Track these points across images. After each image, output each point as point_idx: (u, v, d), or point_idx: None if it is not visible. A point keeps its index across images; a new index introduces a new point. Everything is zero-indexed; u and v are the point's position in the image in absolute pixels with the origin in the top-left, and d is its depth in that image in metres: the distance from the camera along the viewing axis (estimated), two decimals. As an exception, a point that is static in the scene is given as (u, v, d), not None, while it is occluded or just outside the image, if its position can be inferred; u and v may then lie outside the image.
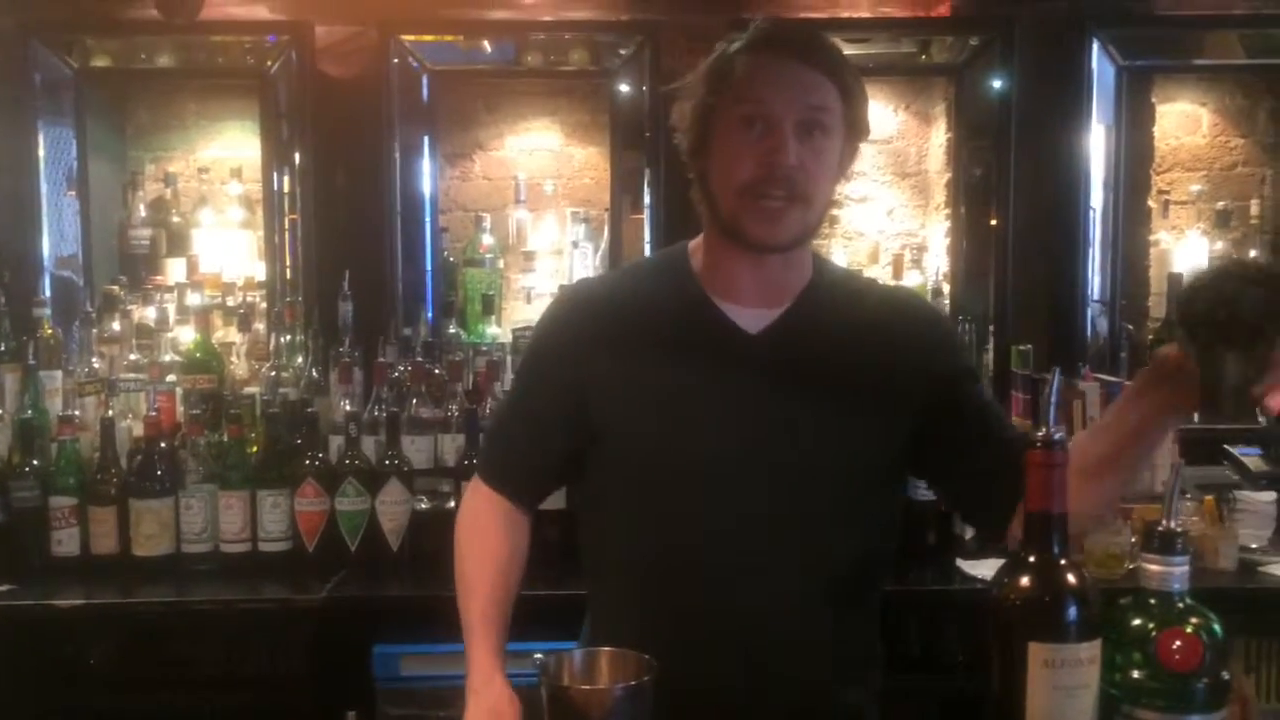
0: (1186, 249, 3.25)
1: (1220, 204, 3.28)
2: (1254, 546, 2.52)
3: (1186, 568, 1.13)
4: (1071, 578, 1.12)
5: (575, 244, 3.25)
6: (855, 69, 1.47)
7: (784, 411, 1.46)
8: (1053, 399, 1.19)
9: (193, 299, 2.89)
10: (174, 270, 3.15)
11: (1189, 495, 2.58)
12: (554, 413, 1.54)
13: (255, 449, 2.51)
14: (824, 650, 1.50)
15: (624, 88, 3.10)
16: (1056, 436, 1.11)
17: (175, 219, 3.24)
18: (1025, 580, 1.12)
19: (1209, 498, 2.55)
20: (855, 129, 1.47)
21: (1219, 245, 3.24)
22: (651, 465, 1.50)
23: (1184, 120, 3.34)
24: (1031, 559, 1.13)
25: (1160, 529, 1.13)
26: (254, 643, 2.29)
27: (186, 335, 2.82)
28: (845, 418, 1.47)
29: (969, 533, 2.56)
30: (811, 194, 1.44)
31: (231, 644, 2.29)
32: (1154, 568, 1.13)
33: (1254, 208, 3.28)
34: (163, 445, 2.44)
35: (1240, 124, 3.32)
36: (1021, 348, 2.78)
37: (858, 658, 1.56)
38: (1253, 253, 3.23)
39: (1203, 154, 3.34)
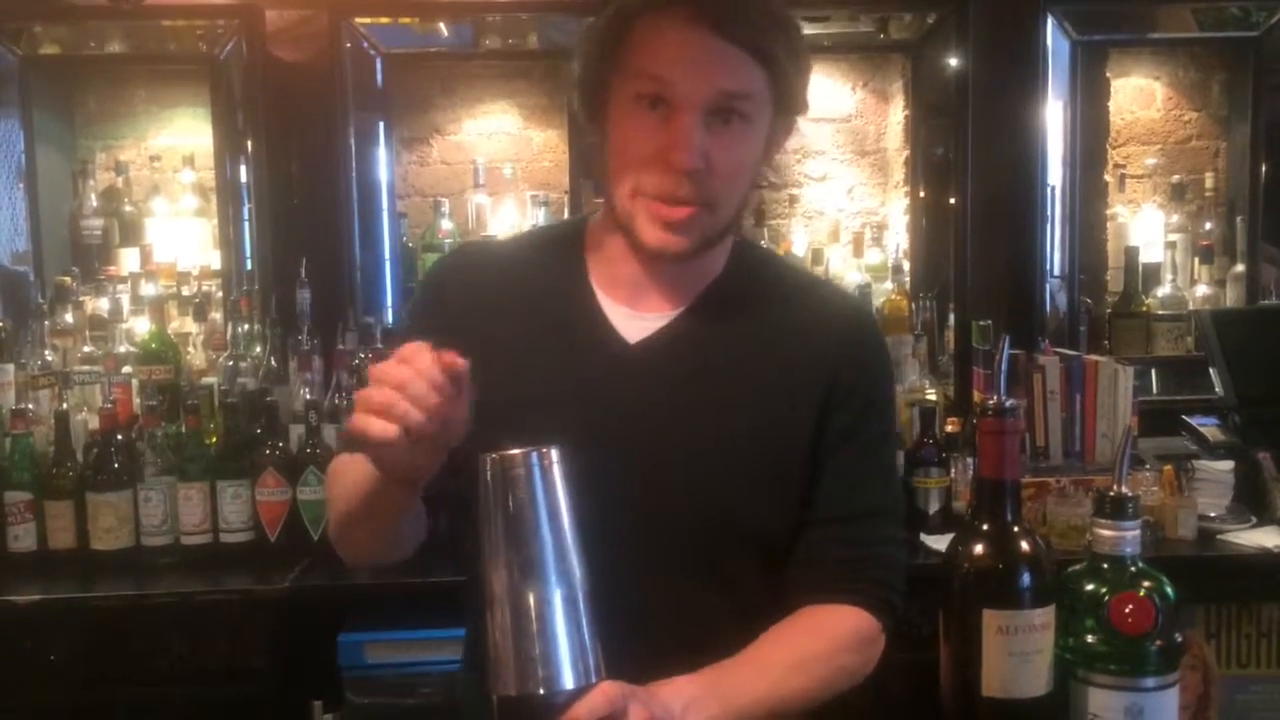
0: (1143, 222, 3.28)
1: (1175, 177, 3.30)
2: (1212, 515, 2.55)
3: (1138, 532, 1.15)
4: (1024, 544, 1.13)
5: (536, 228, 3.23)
6: (791, 35, 1.22)
7: (656, 432, 1.24)
8: (1003, 366, 1.19)
9: (147, 289, 2.86)
10: (127, 260, 3.11)
11: (1148, 465, 2.62)
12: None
13: (214, 440, 2.49)
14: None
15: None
16: (1008, 404, 1.11)
17: (128, 208, 3.19)
18: (979, 548, 1.13)
19: (1168, 467, 2.58)
20: (788, 107, 1.24)
21: (1175, 218, 3.27)
22: None
23: (1138, 94, 3.36)
24: (984, 526, 1.14)
25: (1111, 494, 1.14)
26: (217, 635, 2.27)
27: (141, 326, 2.79)
28: (729, 434, 1.25)
29: (933, 507, 2.59)
30: (719, 198, 1.21)
31: (194, 637, 2.26)
32: (1106, 533, 1.14)
33: (1209, 180, 3.31)
34: (119, 437, 2.42)
35: (1193, 97, 3.35)
36: (981, 323, 2.79)
37: None
38: (1208, 225, 3.26)
39: (1157, 128, 3.37)
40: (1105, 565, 1.14)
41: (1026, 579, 1.10)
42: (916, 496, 2.59)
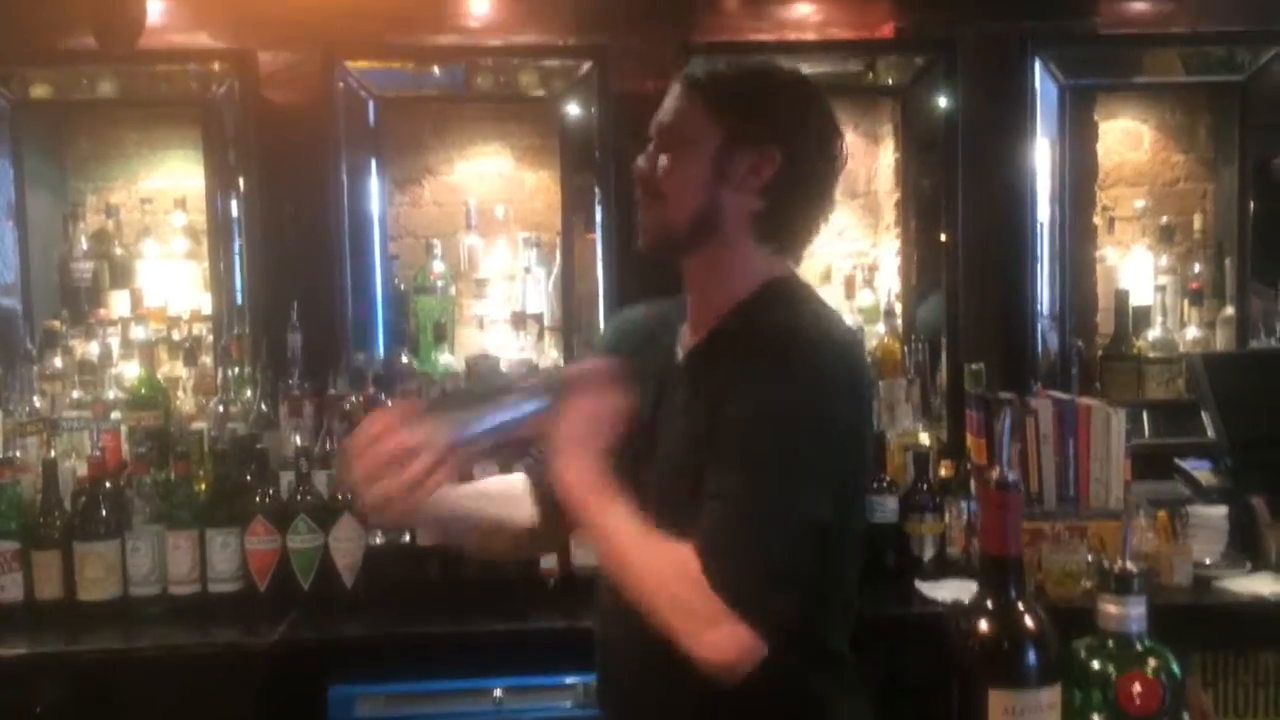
0: (1132, 264, 3.29)
1: (1164, 219, 3.31)
2: (1207, 561, 2.54)
3: (1143, 608, 1.14)
4: (1030, 622, 1.12)
5: (528, 269, 3.22)
6: (737, 76, 1.47)
7: (658, 440, 1.48)
8: (1005, 435, 1.19)
9: (137, 333, 2.85)
10: (118, 303, 3.09)
11: (1141, 511, 2.61)
12: None
13: (203, 487, 2.47)
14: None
15: (573, 110, 3.08)
16: (1011, 477, 1.10)
17: (118, 250, 3.18)
18: (984, 625, 1.12)
19: (1162, 513, 2.58)
20: (743, 135, 1.44)
21: (1164, 260, 3.27)
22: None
23: (1126, 137, 3.38)
24: (989, 603, 1.13)
25: (1117, 570, 1.13)
26: (205, 688, 2.23)
27: (131, 371, 2.78)
28: (670, 455, 1.46)
29: (928, 553, 2.58)
30: (663, 191, 1.46)
31: (182, 690, 2.23)
32: (1111, 609, 1.13)
33: (1197, 222, 3.32)
34: (107, 485, 2.40)
35: (1181, 140, 3.37)
36: (974, 367, 2.79)
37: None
38: (1197, 267, 3.27)
39: (1145, 170, 3.38)
40: (1111, 642, 1.13)
41: (1032, 658, 1.09)
42: (911, 543, 2.58)
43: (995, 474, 1.11)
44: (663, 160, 1.46)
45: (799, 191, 1.48)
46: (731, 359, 1.40)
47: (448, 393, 2.27)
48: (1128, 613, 1.12)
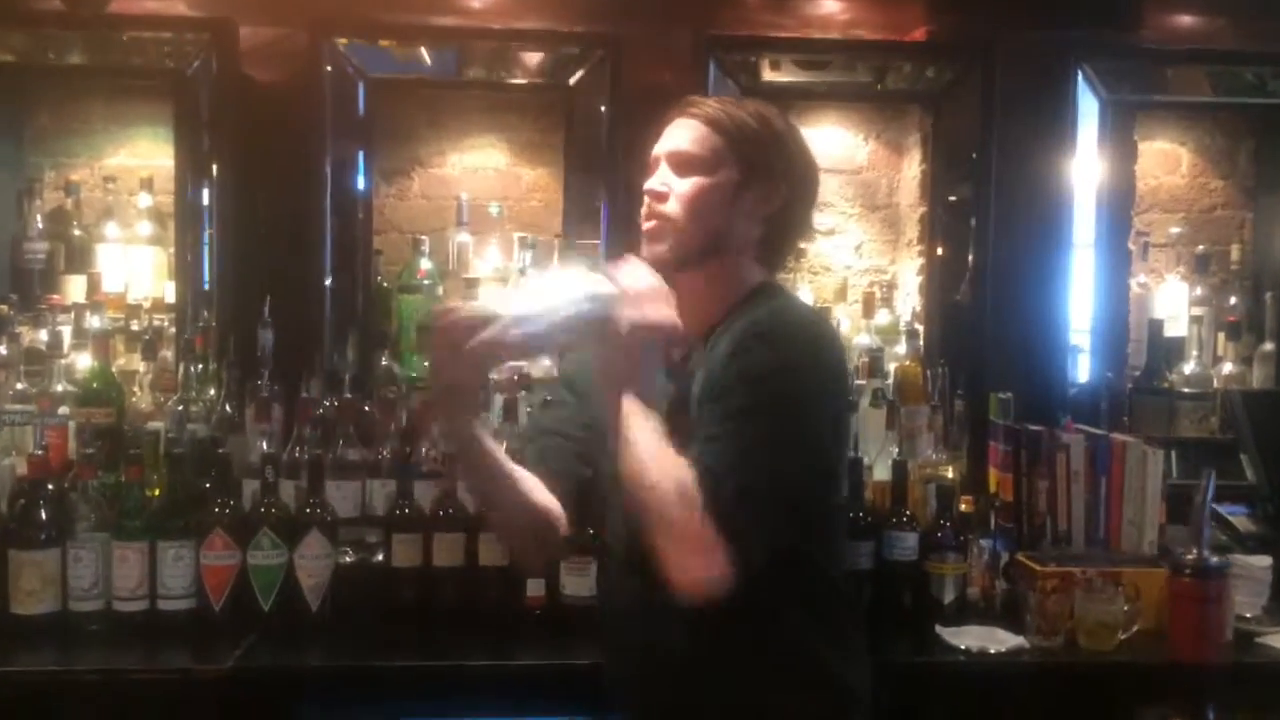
0: (1166, 294, 3.15)
1: (1200, 248, 3.20)
2: (1249, 615, 2.35)
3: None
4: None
5: (522, 271, 3.03)
6: (750, 114, 1.71)
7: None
8: (1206, 509, 0.97)
9: (92, 321, 2.68)
10: (73, 289, 2.91)
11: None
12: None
13: (157, 493, 2.29)
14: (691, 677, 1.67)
15: (581, 104, 2.90)
16: (1213, 561, 0.88)
17: (76, 232, 3.00)
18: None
19: (1203, 563, 2.39)
20: (758, 170, 1.69)
21: (1199, 291, 3.14)
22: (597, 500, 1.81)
23: (1163, 159, 3.26)
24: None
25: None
26: (150, 718, 2.04)
27: (83, 362, 2.61)
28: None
29: (949, 596, 2.38)
30: (675, 215, 1.68)
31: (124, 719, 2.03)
32: None
33: (1234, 252, 3.20)
34: (50, 487, 2.22)
35: (1220, 165, 3.26)
36: (1002, 396, 2.61)
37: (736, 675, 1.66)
38: (1232, 299, 3.12)
39: (1182, 195, 3.27)
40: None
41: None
42: (931, 584, 2.39)
43: (1191, 555, 0.88)
44: (684, 185, 1.68)
45: (794, 221, 1.78)
46: (729, 342, 1.62)
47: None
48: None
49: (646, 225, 1.71)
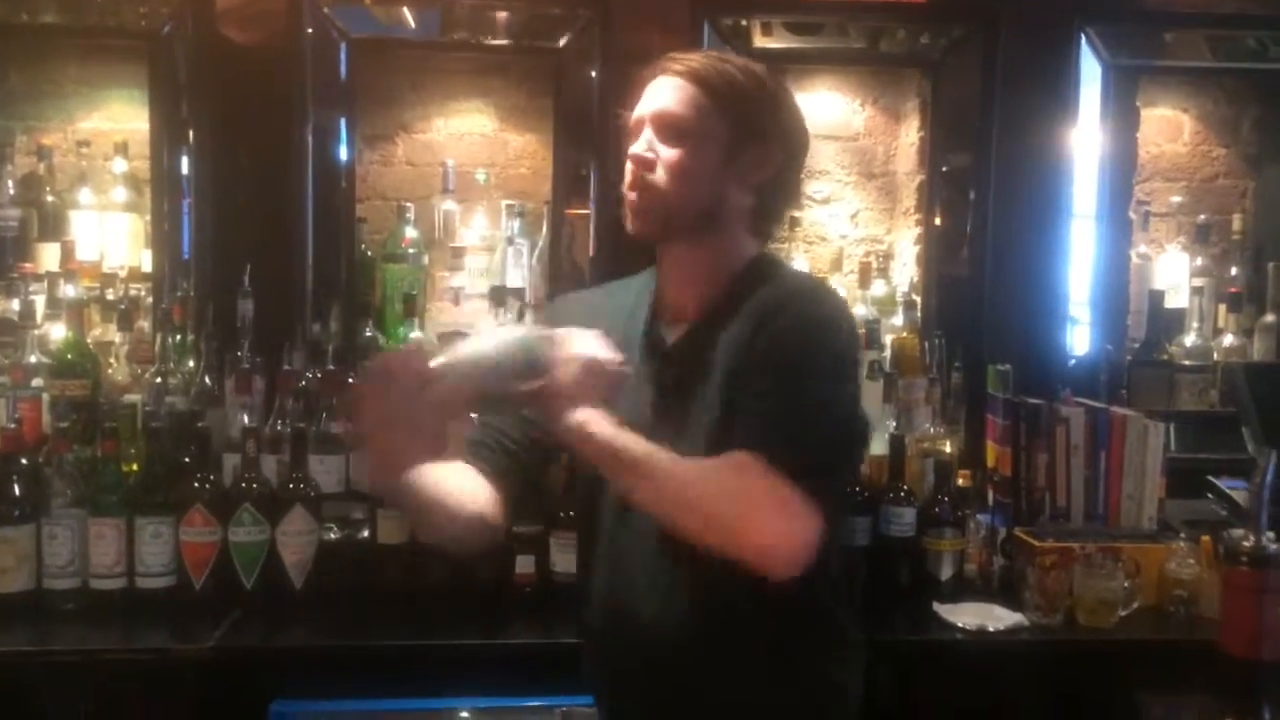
0: (1166, 264, 3.11)
1: (1201, 217, 3.14)
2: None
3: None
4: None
5: (510, 240, 2.97)
6: (739, 71, 1.58)
7: (667, 415, 1.58)
8: (1265, 491, 0.91)
9: (66, 290, 2.62)
10: (46, 257, 2.83)
11: (1182, 535, 2.39)
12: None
13: (135, 468, 2.26)
14: (709, 654, 1.59)
15: (570, 68, 2.81)
16: (1272, 549, 0.82)
17: (49, 198, 2.91)
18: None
19: (1206, 538, 2.35)
20: (749, 130, 1.57)
21: (1199, 261, 3.09)
22: (584, 480, 1.68)
23: (1165, 126, 3.21)
24: None
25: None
26: (128, 699, 2.01)
27: (57, 333, 2.55)
28: (690, 426, 1.55)
29: (946, 572, 2.34)
30: (663, 184, 1.56)
31: (101, 700, 2.00)
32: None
33: (1236, 222, 3.15)
34: (24, 462, 2.18)
35: (1223, 133, 3.20)
36: (1000, 368, 2.56)
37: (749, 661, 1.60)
38: (1233, 270, 3.07)
39: (1183, 163, 3.22)
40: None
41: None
42: (928, 560, 2.35)
43: (1249, 542, 0.82)
44: (671, 151, 1.56)
45: (788, 188, 1.67)
46: (749, 314, 1.55)
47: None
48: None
49: (631, 196, 1.59)
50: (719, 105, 1.55)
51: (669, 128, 1.56)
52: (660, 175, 1.56)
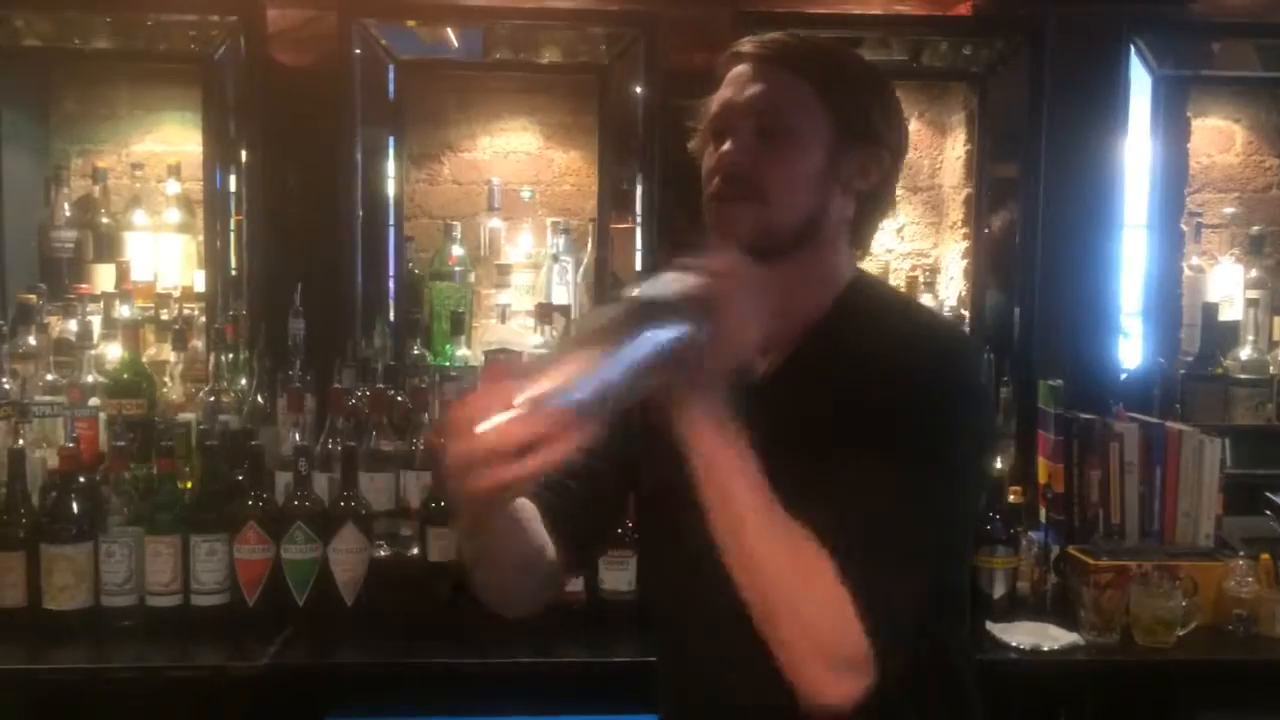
0: (1220, 276, 3.06)
1: (1255, 228, 3.08)
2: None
3: None
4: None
5: (555, 257, 2.97)
6: (841, 59, 1.36)
7: (769, 454, 1.21)
8: None
9: (122, 311, 2.64)
10: (102, 278, 2.86)
11: (1241, 553, 2.35)
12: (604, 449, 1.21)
13: (189, 486, 2.27)
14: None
15: (615, 85, 2.83)
16: None
17: (104, 220, 2.94)
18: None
19: (1265, 555, 2.32)
20: (853, 130, 1.32)
21: (1253, 273, 3.04)
22: (650, 527, 1.49)
23: (1216, 137, 3.16)
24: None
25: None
26: (184, 716, 2.02)
27: (113, 353, 2.58)
28: (792, 468, 1.19)
29: (999, 591, 2.32)
30: (766, 190, 1.30)
31: (158, 717, 2.02)
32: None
33: None
34: (81, 480, 2.18)
35: (1276, 143, 3.15)
36: (1052, 383, 2.53)
37: None
38: (1286, 283, 3.04)
39: (1236, 174, 3.16)
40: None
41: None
42: (980, 578, 2.33)
43: None
44: (772, 152, 1.30)
45: (888, 198, 1.42)
46: (864, 351, 1.28)
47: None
48: None
49: (722, 206, 1.32)
50: (823, 98, 1.31)
51: (766, 124, 1.30)
52: (759, 180, 1.30)
